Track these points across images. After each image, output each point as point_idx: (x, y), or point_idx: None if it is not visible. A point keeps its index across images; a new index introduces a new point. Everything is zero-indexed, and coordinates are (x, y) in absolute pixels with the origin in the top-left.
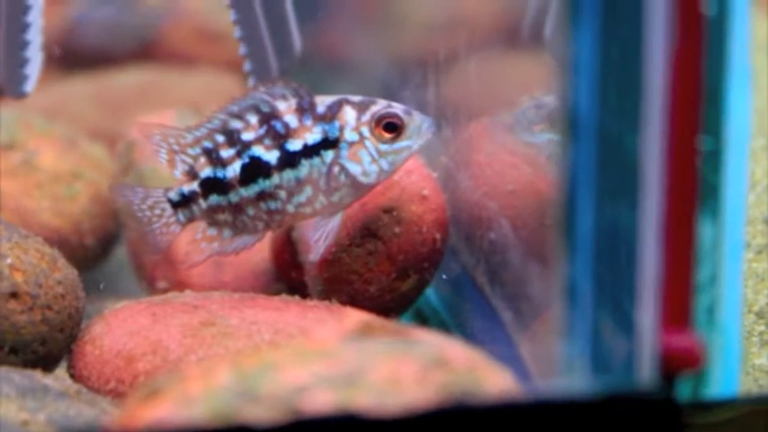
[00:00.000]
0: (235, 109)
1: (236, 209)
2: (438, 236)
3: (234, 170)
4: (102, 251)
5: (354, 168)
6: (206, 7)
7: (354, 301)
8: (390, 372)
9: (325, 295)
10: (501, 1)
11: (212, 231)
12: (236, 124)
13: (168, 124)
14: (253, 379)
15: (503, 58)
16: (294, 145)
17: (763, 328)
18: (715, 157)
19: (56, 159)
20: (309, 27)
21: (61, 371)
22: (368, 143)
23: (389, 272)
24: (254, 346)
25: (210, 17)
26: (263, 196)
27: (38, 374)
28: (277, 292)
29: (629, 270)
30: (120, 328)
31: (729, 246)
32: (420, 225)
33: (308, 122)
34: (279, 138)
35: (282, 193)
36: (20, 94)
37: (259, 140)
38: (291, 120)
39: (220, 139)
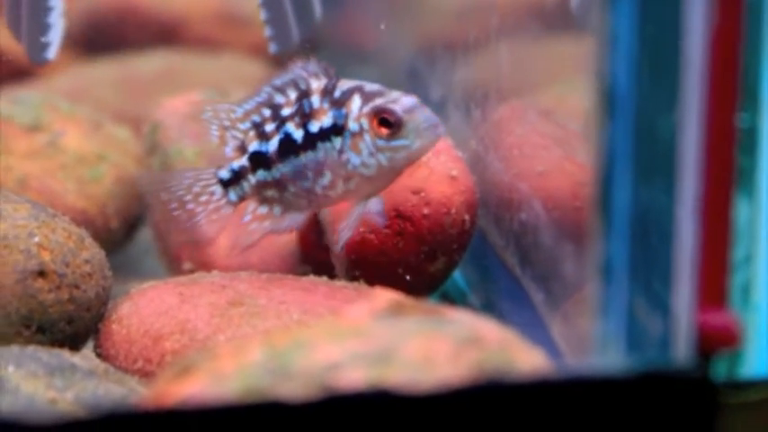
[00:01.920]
0: (278, 83)
1: (279, 185)
2: (467, 217)
3: (273, 145)
4: (127, 233)
5: (355, 159)
6: None
7: (382, 281)
8: (423, 349)
9: (353, 276)
10: None
11: (263, 209)
12: (279, 99)
13: (218, 100)
14: (285, 356)
15: (533, 39)
16: (313, 126)
17: None
18: (751, 138)
19: (81, 141)
20: (335, 12)
21: (88, 350)
22: (366, 136)
23: (418, 253)
24: (282, 325)
25: (233, 1)
26: (297, 174)
27: (65, 353)
28: (304, 274)
29: (665, 249)
30: (148, 308)
31: (765, 225)
32: (449, 206)
33: (326, 106)
34: (304, 117)
35: (309, 174)
36: (42, 61)
37: (292, 117)
38: (315, 100)
39: (266, 113)
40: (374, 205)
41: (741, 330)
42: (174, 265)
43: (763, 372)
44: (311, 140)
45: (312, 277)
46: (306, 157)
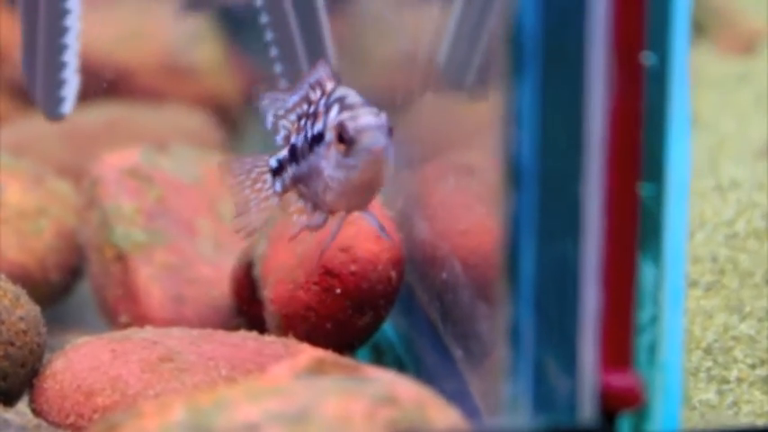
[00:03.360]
0: (312, 80)
1: (302, 180)
2: (393, 274)
3: (301, 140)
4: (67, 286)
5: (328, 169)
6: (174, 42)
7: (311, 337)
8: (340, 408)
9: (283, 331)
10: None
11: (300, 203)
12: (312, 95)
13: (277, 90)
14: (206, 416)
15: (455, 99)
16: (313, 129)
17: (710, 364)
18: (657, 201)
19: (21, 195)
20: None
21: (22, 405)
22: (333, 148)
23: (346, 308)
24: (210, 381)
25: (179, 52)
26: (305, 174)
27: None
28: (236, 328)
29: (572, 311)
30: (81, 364)
31: (671, 286)
32: (376, 263)
33: (323, 110)
34: (311, 118)
35: (311, 175)
36: (57, 116)
37: (311, 116)
38: (321, 104)
39: (305, 107)
40: (368, 220)
41: (645, 389)
42: (110, 318)
43: (669, 428)
44: (311, 143)
45: (243, 332)
46: (307, 159)
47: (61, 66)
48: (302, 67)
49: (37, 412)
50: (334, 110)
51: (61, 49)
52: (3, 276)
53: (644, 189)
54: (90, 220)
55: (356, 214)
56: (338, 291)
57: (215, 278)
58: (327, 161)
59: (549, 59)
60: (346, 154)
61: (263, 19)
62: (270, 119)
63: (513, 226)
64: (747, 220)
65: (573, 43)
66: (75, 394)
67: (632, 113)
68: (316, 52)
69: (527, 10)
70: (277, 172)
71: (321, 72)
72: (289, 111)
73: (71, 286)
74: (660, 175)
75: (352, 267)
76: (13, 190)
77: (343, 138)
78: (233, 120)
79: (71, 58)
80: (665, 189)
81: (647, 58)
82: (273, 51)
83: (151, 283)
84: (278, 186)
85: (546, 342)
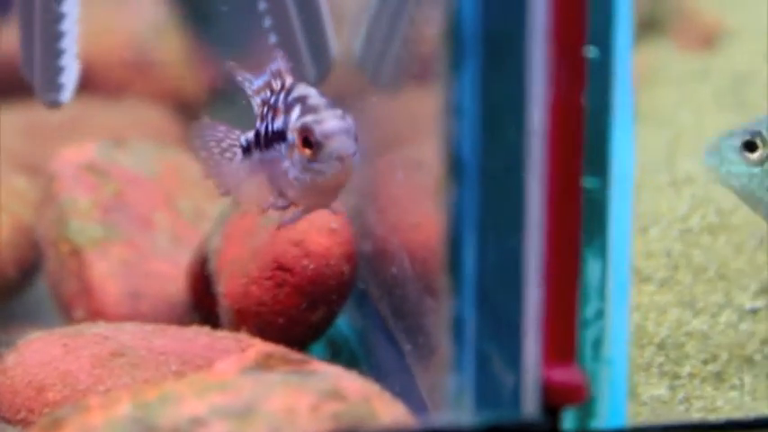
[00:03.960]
0: (273, 69)
1: (267, 169)
2: (346, 268)
3: (262, 129)
4: (24, 281)
5: (292, 170)
6: (136, 37)
7: (264, 332)
8: (285, 403)
9: (236, 327)
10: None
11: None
12: (273, 84)
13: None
14: (152, 410)
15: (403, 93)
16: (273, 125)
17: (662, 359)
18: (601, 195)
19: None
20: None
21: None
22: (296, 151)
23: (298, 303)
24: (161, 377)
25: (140, 47)
26: (265, 166)
27: None
28: (191, 323)
29: (515, 305)
30: (32, 359)
31: (616, 281)
32: (328, 258)
33: (282, 107)
34: (272, 111)
35: (271, 169)
36: (55, 103)
37: (270, 106)
38: (280, 99)
39: (267, 94)
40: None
41: (589, 384)
42: (66, 314)
43: (615, 423)
44: (270, 138)
45: (195, 328)
46: (269, 152)
47: (59, 52)
48: (307, 72)
49: None
50: (296, 110)
51: (59, 35)
52: None
53: (588, 183)
54: (46, 215)
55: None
56: (291, 285)
57: (172, 274)
58: (292, 163)
59: (490, 52)
60: (312, 158)
61: (267, 22)
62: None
63: (455, 220)
64: (702, 216)
65: (514, 35)
66: (26, 390)
67: (574, 107)
68: (321, 57)
69: (466, 1)
70: (246, 151)
71: (280, 63)
72: (254, 92)
73: (28, 282)
74: (604, 169)
75: (305, 262)
76: None
77: (309, 142)
78: (195, 114)
79: (70, 45)
80: (610, 183)
81: (590, 52)
82: (272, 38)
83: (107, 278)
84: (246, 164)
85: (489, 336)
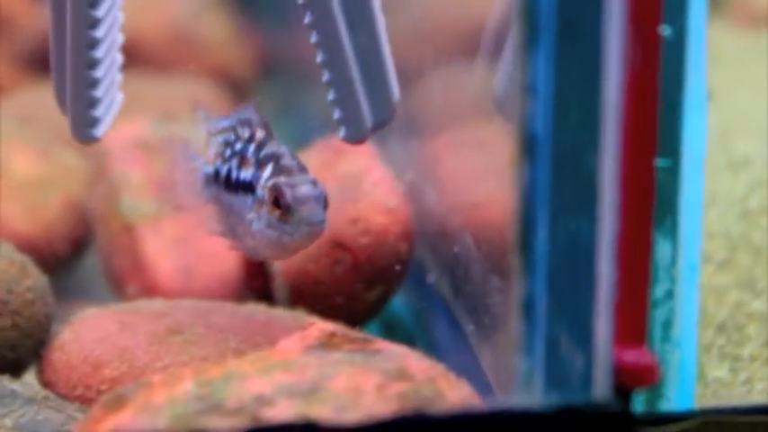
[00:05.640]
0: (242, 116)
1: (225, 209)
2: (404, 247)
3: (223, 171)
4: (74, 257)
5: (256, 223)
6: (184, 13)
7: (320, 310)
8: (351, 382)
9: (292, 305)
10: (465, 13)
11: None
12: (240, 131)
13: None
14: (216, 388)
15: (468, 71)
16: (241, 174)
17: (722, 341)
18: (672, 175)
19: (29, 165)
20: (281, 34)
21: (30, 376)
22: (265, 207)
23: (356, 282)
24: (219, 354)
25: (188, 23)
26: (228, 209)
27: (5, 380)
28: (244, 301)
29: (586, 286)
30: (88, 335)
31: (686, 262)
32: (386, 236)
33: (252, 160)
34: (241, 160)
35: (233, 215)
36: (88, 139)
37: (238, 155)
38: (250, 150)
39: (231, 137)
40: None
41: (659, 367)
42: (118, 289)
43: (683, 405)
44: (236, 185)
45: (252, 305)
46: (233, 197)
47: (92, 82)
48: (364, 115)
49: (44, 384)
50: (269, 168)
51: (92, 63)
52: (10, 246)
53: (659, 163)
54: (98, 191)
55: None
56: (348, 263)
57: (225, 251)
58: (258, 217)
59: (565, 30)
60: (281, 219)
61: (319, 57)
62: (202, 132)
63: (527, 198)
64: (761, 197)
65: (588, 14)
66: (82, 366)
67: (648, 86)
68: (380, 100)
69: None
70: (207, 181)
71: (251, 114)
72: (217, 132)
73: (78, 258)
74: (676, 150)
75: (363, 240)
76: (20, 160)
77: (280, 203)
78: (241, 90)
79: (106, 74)
80: (681, 164)
81: (664, 31)
82: (332, 95)
83: (160, 254)
84: (205, 195)
85: (559, 317)
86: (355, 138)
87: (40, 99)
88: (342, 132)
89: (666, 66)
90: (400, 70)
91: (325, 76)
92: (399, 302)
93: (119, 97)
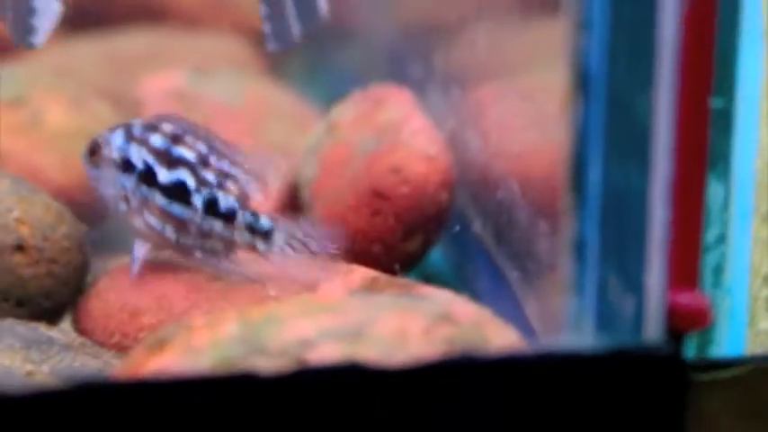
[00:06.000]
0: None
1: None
2: (444, 196)
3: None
4: (107, 210)
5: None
6: None
7: (360, 260)
8: (396, 326)
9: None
10: None
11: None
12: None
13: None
14: (259, 331)
15: (513, 21)
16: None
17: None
18: (725, 119)
19: (63, 117)
20: None
21: (65, 324)
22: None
23: (395, 231)
24: (258, 301)
25: None
26: None
27: (42, 327)
28: None
29: (638, 229)
30: (126, 283)
31: (738, 207)
32: (426, 185)
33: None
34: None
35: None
36: (27, 45)
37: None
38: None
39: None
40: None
41: (711, 311)
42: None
43: (733, 351)
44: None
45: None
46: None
47: None
48: (292, 30)
49: (81, 331)
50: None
51: None
52: (46, 194)
53: (714, 103)
54: None
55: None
56: (388, 212)
57: (261, 202)
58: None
59: None
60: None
61: None
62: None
63: (581, 137)
64: None
65: None
66: (119, 313)
67: (705, 23)
68: (309, 13)
69: None
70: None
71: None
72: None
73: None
74: (731, 90)
75: (403, 189)
76: (55, 111)
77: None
78: None
79: None
80: (735, 105)
81: None
82: (262, 9)
83: None
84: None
85: (611, 258)
86: (281, 48)
87: (74, 53)
88: (268, 44)
89: (722, 5)
90: (442, 22)
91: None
92: (437, 254)
93: (56, 6)
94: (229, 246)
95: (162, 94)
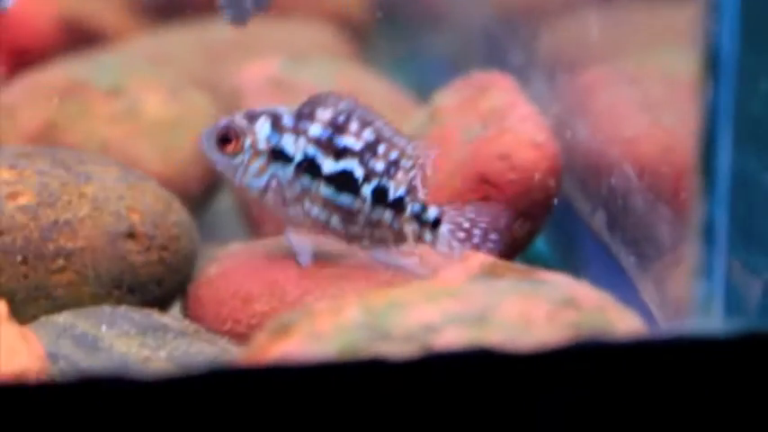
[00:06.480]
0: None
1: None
2: (552, 183)
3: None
4: (206, 198)
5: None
6: None
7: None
8: (521, 311)
9: None
10: None
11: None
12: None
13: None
14: (382, 316)
15: (625, 5)
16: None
17: None
18: None
19: (160, 106)
20: None
21: (176, 312)
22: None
23: None
24: (371, 287)
25: None
26: None
27: (156, 314)
28: None
29: (765, 211)
30: (236, 270)
31: None
32: (533, 172)
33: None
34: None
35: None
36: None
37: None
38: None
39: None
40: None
41: None
42: (255, 229)
43: None
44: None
45: None
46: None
47: None
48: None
49: (191, 318)
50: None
51: None
52: (155, 182)
53: None
54: None
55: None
56: (495, 199)
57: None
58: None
59: None
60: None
61: None
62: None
63: (711, 121)
64: None
65: None
66: (232, 300)
67: None
68: None
69: None
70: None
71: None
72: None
73: (211, 199)
74: None
75: (510, 176)
76: (152, 101)
77: None
78: (362, 33)
79: None
80: None
81: None
82: None
83: None
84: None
85: (739, 242)
86: (237, 21)
87: (167, 41)
88: (224, 16)
89: None
90: (547, 7)
91: None
92: (541, 241)
93: None
94: (398, 236)
95: (260, 82)
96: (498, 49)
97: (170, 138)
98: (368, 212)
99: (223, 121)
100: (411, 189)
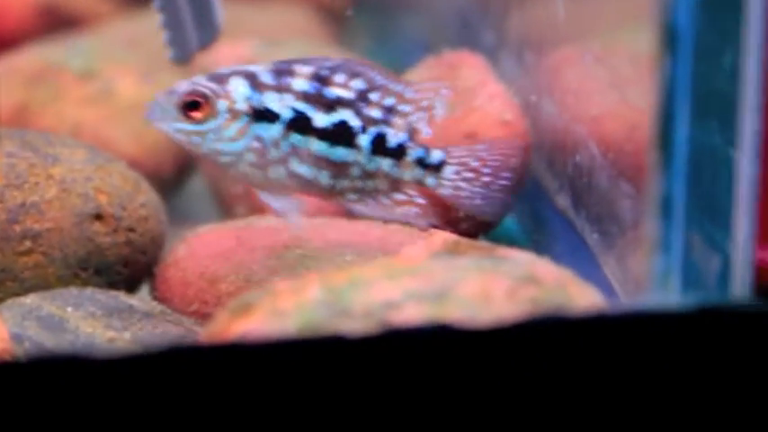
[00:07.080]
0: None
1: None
2: (519, 161)
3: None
4: (178, 180)
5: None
6: None
7: (435, 224)
8: (480, 287)
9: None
10: None
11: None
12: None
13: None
14: (343, 294)
15: None
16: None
17: None
18: None
19: (133, 88)
20: None
21: (144, 293)
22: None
23: None
24: (337, 268)
25: None
26: None
27: (122, 295)
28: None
29: (724, 186)
30: (204, 251)
31: None
32: None
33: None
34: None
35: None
36: None
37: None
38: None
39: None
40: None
41: None
42: (227, 211)
43: None
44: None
45: (366, 221)
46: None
47: None
48: (191, 40)
49: (159, 300)
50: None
51: None
52: (123, 163)
53: None
54: None
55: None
56: None
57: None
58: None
59: None
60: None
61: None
62: None
63: (667, 95)
64: None
65: None
66: (198, 281)
67: None
68: (206, 24)
69: None
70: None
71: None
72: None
73: (183, 180)
74: None
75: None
76: (125, 84)
77: None
78: (339, 16)
79: None
80: None
81: None
82: (161, 19)
83: None
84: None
85: (697, 217)
86: (180, 59)
87: (141, 25)
88: (169, 54)
89: None
90: None
91: (156, 3)
92: (509, 219)
93: None
94: (395, 184)
95: (232, 63)
96: (470, 30)
97: (143, 120)
98: (365, 163)
99: (182, 86)
100: (413, 133)
